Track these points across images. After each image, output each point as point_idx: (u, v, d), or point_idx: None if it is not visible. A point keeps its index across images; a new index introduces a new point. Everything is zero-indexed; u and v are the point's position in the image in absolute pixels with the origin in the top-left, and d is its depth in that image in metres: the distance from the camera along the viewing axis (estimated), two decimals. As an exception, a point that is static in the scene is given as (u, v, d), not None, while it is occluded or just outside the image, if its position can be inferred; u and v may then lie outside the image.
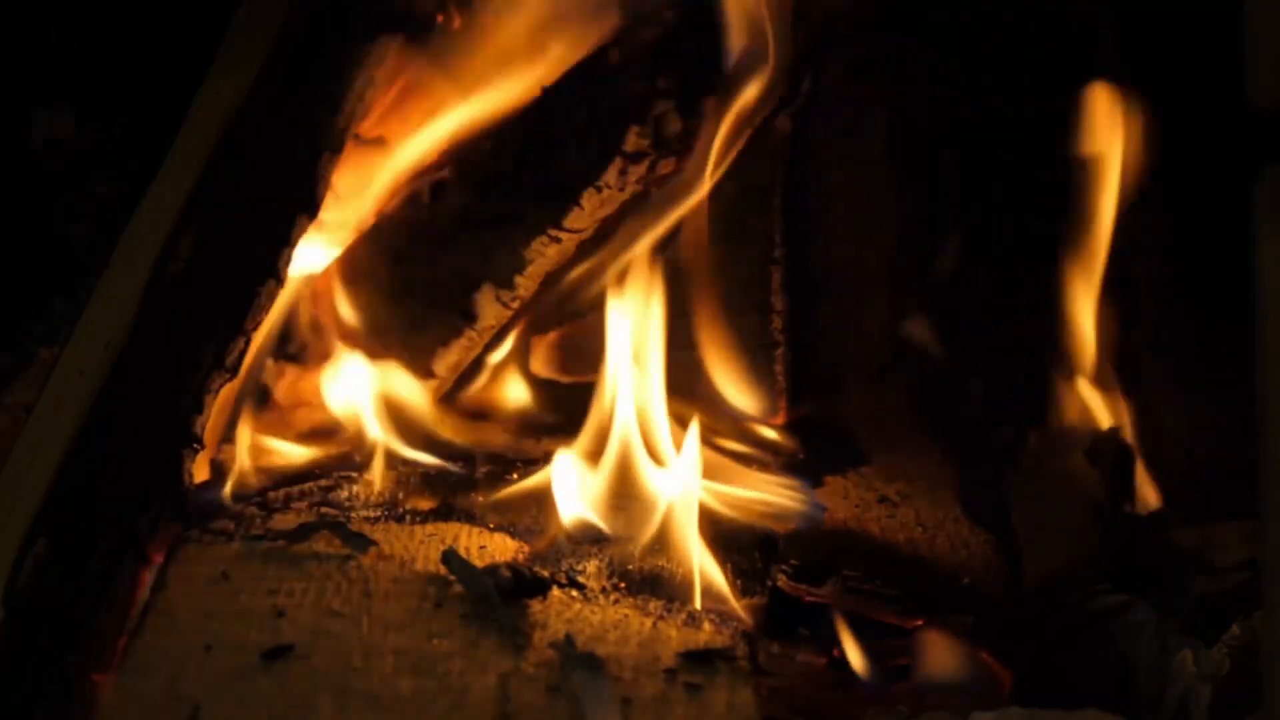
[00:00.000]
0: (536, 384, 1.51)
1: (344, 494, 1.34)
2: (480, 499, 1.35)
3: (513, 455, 1.44)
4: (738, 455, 1.41)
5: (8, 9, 1.53)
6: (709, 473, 1.33)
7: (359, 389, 1.44)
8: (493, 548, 1.27)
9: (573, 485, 1.29)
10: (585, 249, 1.43)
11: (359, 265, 1.47)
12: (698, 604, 1.20)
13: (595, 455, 1.33)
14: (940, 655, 1.17)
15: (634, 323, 1.37)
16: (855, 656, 1.17)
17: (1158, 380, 1.43)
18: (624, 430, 1.32)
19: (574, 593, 1.18)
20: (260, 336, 1.36)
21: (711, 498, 1.30)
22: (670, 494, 1.27)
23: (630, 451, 1.31)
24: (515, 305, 1.42)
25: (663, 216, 1.41)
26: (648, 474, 1.30)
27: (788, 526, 1.32)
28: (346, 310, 1.48)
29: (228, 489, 1.33)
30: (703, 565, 1.23)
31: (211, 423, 1.31)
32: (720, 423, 1.43)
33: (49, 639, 1.15)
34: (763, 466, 1.40)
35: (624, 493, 1.30)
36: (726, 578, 1.23)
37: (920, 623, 1.21)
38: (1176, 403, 1.43)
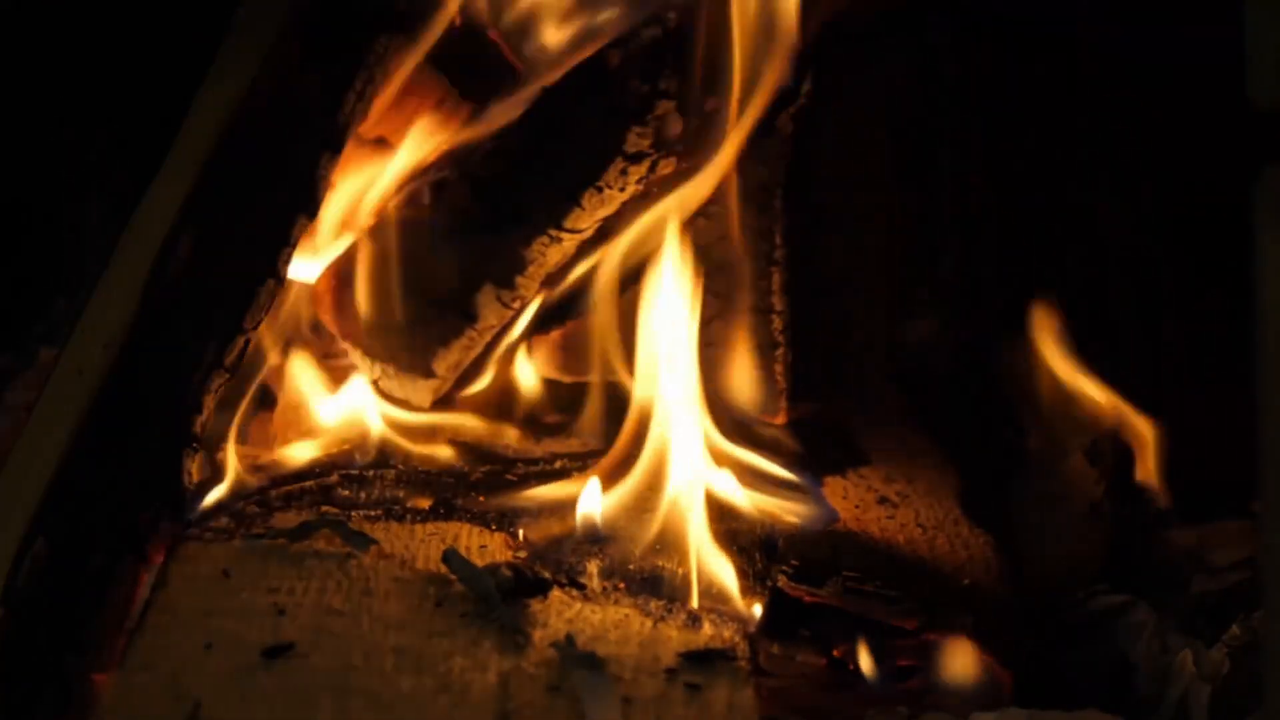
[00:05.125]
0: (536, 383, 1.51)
1: (344, 493, 1.34)
2: (480, 499, 1.35)
3: (513, 455, 1.44)
4: (745, 454, 1.41)
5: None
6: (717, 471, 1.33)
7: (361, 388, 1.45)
8: (493, 547, 1.27)
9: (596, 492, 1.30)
10: (586, 248, 1.43)
11: (359, 265, 1.47)
12: (694, 603, 1.20)
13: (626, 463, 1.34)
14: (960, 663, 1.17)
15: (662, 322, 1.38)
16: (865, 660, 1.16)
17: (1158, 380, 1.43)
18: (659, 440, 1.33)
19: (574, 592, 1.18)
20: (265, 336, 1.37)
21: (719, 497, 1.31)
22: (677, 492, 1.28)
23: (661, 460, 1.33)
24: (515, 305, 1.42)
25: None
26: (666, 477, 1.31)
27: (798, 526, 1.32)
28: (347, 310, 1.48)
29: (228, 488, 1.33)
30: (707, 565, 1.23)
31: (211, 422, 1.32)
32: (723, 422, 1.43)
33: (48, 638, 1.15)
34: (771, 466, 1.40)
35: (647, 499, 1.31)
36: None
37: (919, 623, 1.21)
38: (1177, 402, 1.43)
